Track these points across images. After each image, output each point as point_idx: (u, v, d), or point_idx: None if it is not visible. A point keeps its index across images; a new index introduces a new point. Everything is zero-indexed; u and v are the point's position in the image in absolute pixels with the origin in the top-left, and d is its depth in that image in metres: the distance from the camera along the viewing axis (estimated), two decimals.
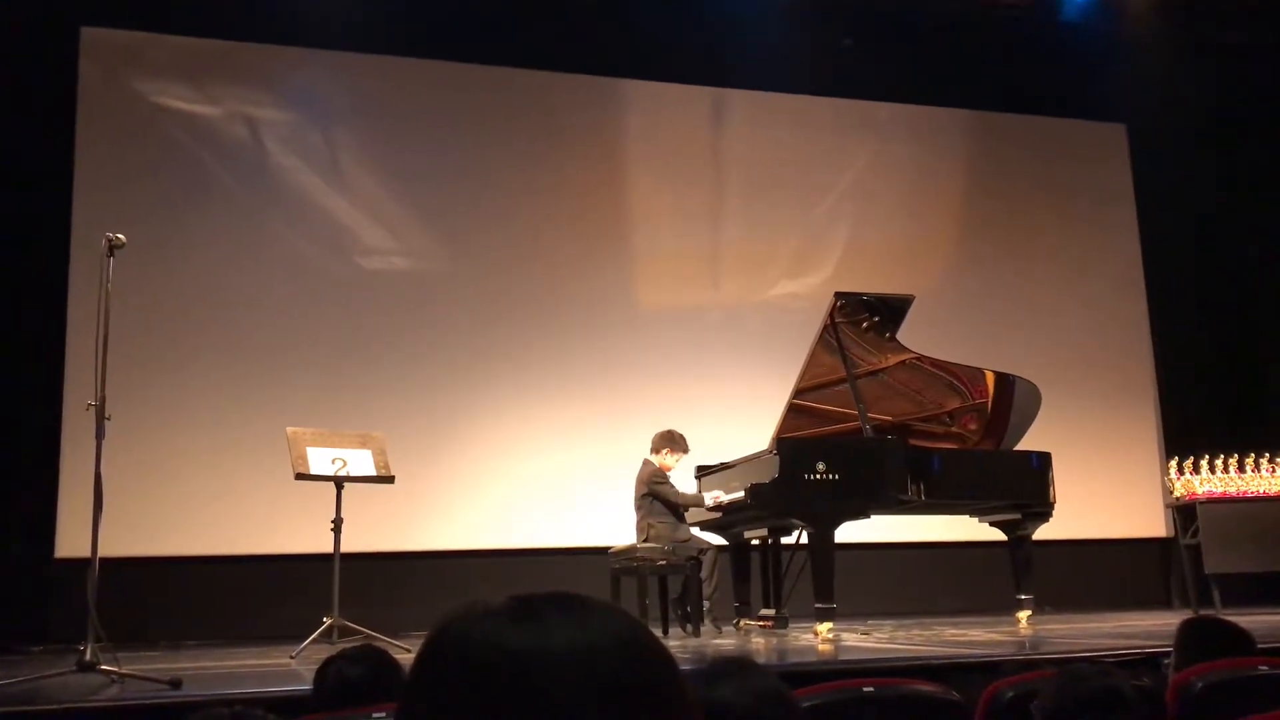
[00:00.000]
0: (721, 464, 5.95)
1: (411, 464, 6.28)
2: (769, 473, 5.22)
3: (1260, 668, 2.15)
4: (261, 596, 6.62)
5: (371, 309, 7.41)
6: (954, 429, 5.94)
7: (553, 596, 0.69)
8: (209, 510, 6.80)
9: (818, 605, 5.12)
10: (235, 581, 6.70)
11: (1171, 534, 8.00)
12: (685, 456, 5.99)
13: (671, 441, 5.94)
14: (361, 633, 4.78)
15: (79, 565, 4.14)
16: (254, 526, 6.79)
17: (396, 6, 7.60)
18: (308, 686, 2.31)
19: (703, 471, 6.13)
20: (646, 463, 5.93)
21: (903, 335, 5.79)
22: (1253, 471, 7.26)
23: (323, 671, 2.13)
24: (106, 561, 3.93)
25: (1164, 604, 8.13)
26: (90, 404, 3.80)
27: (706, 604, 5.75)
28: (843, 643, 4.82)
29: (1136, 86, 8.46)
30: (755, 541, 6.20)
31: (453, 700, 0.64)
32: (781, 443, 5.34)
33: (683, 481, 6.07)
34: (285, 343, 7.18)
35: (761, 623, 5.95)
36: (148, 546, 6.59)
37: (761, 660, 3.73)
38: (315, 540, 5.58)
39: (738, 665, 1.23)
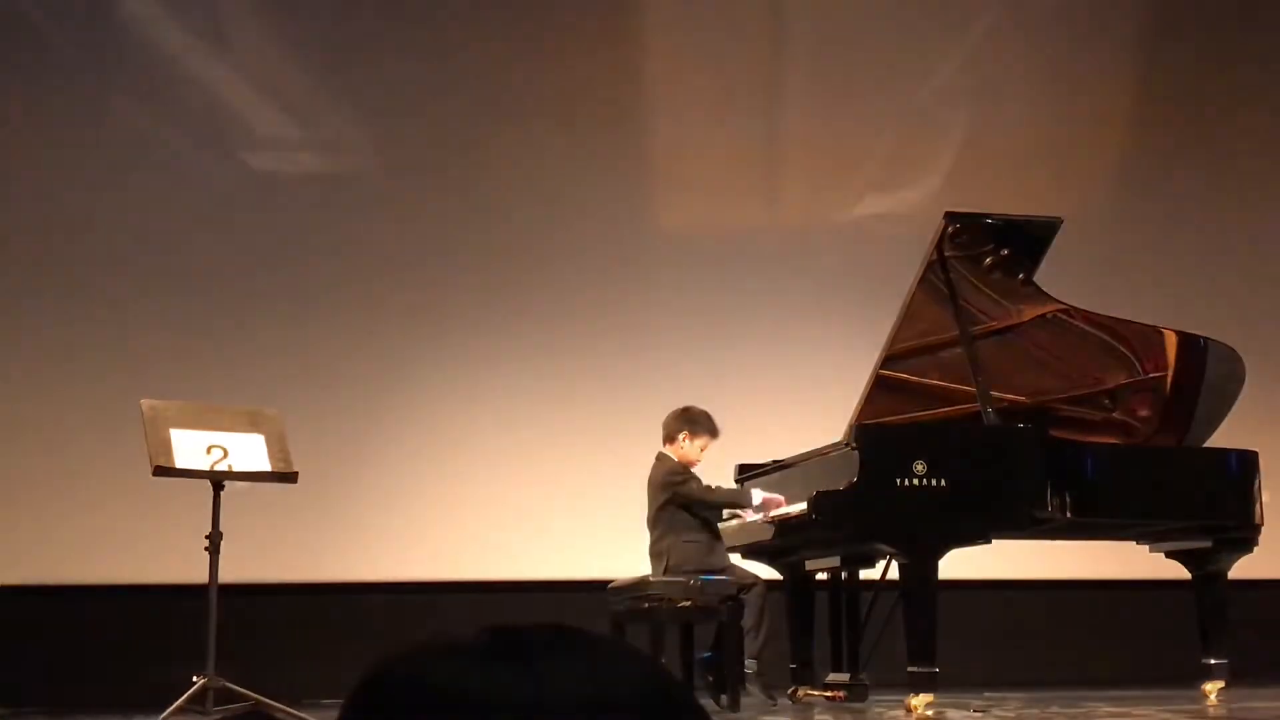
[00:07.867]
0: (774, 462, 5.97)
1: (321, 457, 6.31)
2: (844, 475, 5.23)
3: None
4: (106, 645, 6.67)
5: (265, 229, 7.41)
6: (1117, 415, 5.95)
7: (544, 629, 0.69)
8: (28, 524, 6.84)
9: (912, 669, 5.15)
10: (68, 624, 6.75)
11: None
12: (715, 443, 5.95)
13: (692, 422, 5.93)
14: (249, 698, 4.84)
15: None
16: (94, 545, 6.83)
17: None
18: None
19: (746, 473, 6.16)
20: (661, 458, 5.94)
21: (1042, 278, 5.77)
22: None
23: None
24: None
25: None
26: None
27: (752, 664, 5.77)
28: None
29: None
30: (822, 576, 6.23)
31: None
32: (863, 431, 5.35)
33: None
34: (138, 278, 7.19)
35: (830, 692, 6.00)
36: None
37: None
38: (183, 565, 5.61)
39: None
